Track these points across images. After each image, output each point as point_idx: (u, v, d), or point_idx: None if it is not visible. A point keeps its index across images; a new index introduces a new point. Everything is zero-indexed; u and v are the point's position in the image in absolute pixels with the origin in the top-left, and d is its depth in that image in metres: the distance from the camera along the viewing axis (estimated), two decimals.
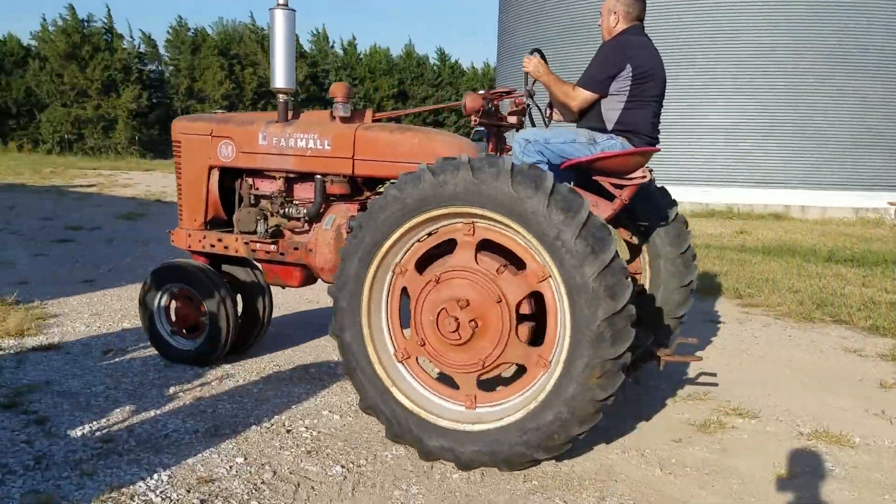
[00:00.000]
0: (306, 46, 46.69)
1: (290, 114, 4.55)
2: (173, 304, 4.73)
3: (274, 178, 4.56)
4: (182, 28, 42.47)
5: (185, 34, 42.38)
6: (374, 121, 4.46)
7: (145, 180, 20.55)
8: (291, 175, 4.49)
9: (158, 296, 4.71)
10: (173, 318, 4.74)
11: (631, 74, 3.79)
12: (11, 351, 4.77)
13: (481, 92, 4.16)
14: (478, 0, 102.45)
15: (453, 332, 3.32)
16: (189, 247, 4.78)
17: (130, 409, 3.92)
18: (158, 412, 3.89)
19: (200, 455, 3.40)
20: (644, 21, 4.00)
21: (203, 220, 4.78)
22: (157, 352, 4.78)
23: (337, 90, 4.36)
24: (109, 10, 49.62)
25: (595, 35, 4.18)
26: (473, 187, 3.17)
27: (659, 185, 4.37)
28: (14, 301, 5.97)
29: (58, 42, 36.74)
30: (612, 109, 3.86)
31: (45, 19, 41.51)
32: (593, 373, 3.04)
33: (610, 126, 3.86)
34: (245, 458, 3.39)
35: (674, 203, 4.36)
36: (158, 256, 8.22)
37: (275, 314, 5.30)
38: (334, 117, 4.38)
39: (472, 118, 4.13)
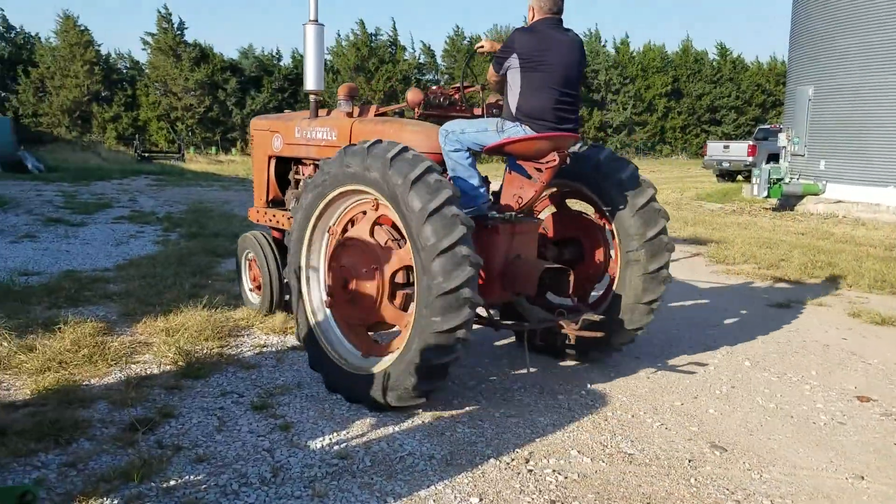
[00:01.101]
0: None
1: (322, 112, 5.31)
2: (250, 266, 5.87)
3: (307, 164, 5.41)
4: (458, 37, 44.46)
5: (461, 43, 44.29)
6: (377, 114, 4.88)
7: None
8: (317, 162, 5.12)
9: (242, 259, 5.91)
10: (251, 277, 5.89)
11: (518, 64, 4.06)
12: (273, 349, 4.90)
13: (434, 87, 4.83)
14: None
15: (343, 289, 4.00)
16: (257, 220, 5.87)
17: (370, 422, 3.74)
18: (397, 429, 3.67)
19: (433, 487, 3.08)
20: (560, 14, 4.22)
21: (266, 199, 5.83)
22: None
23: (341, 90, 4.98)
24: (395, 23, 53.58)
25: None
26: (363, 170, 3.75)
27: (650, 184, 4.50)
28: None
29: (349, 55, 40.33)
30: (512, 98, 4.16)
31: (338, 35, 45.74)
32: (427, 341, 3.52)
33: (514, 113, 4.15)
34: (480, 499, 3.00)
35: (650, 210, 4.43)
36: None
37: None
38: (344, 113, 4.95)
39: (416, 110, 4.67)
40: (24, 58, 35.38)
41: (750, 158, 22.98)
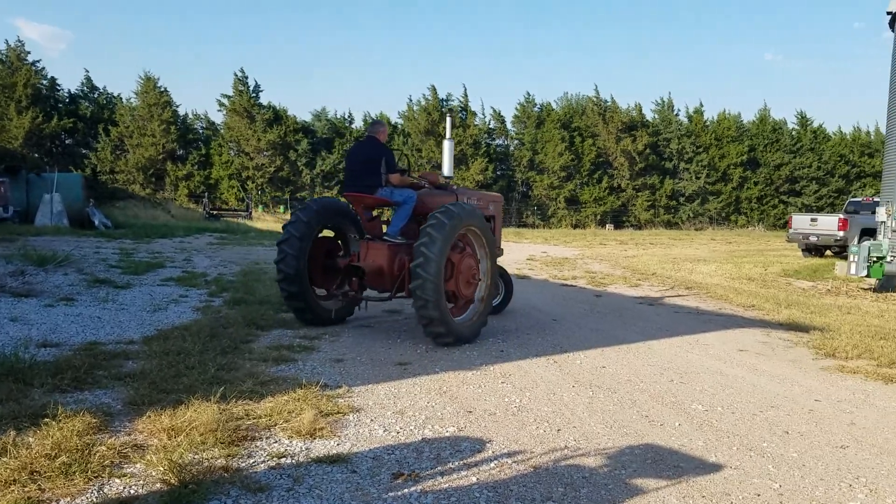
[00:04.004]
0: (648, 116, 45.51)
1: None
2: None
3: None
4: (529, 104, 44.23)
5: (532, 109, 44.00)
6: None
7: None
8: None
9: None
10: None
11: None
12: (294, 461, 3.98)
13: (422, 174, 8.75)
14: (856, 61, 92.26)
15: None
16: None
17: None
18: None
19: None
20: (369, 132, 8.21)
21: None
22: (448, 486, 3.65)
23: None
24: (466, 89, 53.86)
25: None
26: None
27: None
28: (320, 386, 5.38)
29: (420, 120, 40.40)
30: None
31: (410, 100, 45.98)
32: None
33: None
34: None
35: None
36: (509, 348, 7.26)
37: None
38: None
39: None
40: (105, 117, 36.64)
41: (841, 233, 21.37)
